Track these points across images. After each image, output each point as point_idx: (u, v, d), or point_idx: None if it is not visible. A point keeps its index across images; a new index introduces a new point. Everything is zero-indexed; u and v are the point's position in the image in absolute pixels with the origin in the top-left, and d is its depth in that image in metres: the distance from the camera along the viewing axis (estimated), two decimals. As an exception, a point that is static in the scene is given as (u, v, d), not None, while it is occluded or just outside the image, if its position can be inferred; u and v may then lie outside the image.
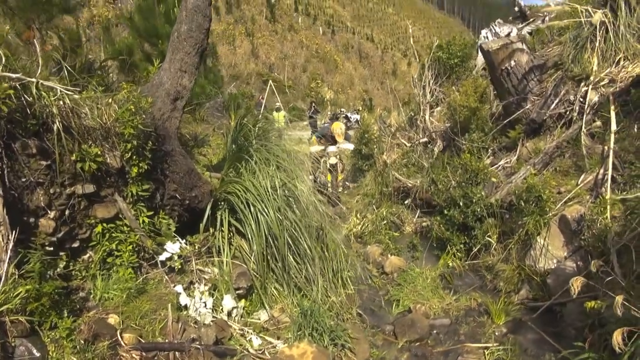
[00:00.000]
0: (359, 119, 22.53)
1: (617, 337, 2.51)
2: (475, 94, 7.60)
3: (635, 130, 4.58)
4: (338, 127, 10.49)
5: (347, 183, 10.33)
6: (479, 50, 8.61)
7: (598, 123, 5.05)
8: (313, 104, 19.80)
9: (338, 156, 9.60)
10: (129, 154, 3.36)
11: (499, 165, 5.92)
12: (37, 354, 2.50)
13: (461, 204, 5.23)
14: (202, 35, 3.85)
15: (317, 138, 10.73)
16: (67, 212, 3.12)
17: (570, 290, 3.22)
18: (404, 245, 5.76)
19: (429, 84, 10.11)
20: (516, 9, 9.28)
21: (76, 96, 3.10)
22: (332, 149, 9.78)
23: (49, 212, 3.02)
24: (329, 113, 24.09)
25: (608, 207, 3.88)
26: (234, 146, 4.89)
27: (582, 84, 5.45)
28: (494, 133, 6.52)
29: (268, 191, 3.96)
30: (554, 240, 4.21)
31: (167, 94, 3.82)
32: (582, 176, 4.70)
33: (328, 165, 9.39)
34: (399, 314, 4.27)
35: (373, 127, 12.88)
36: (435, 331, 3.95)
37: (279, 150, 4.55)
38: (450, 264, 5.07)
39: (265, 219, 3.77)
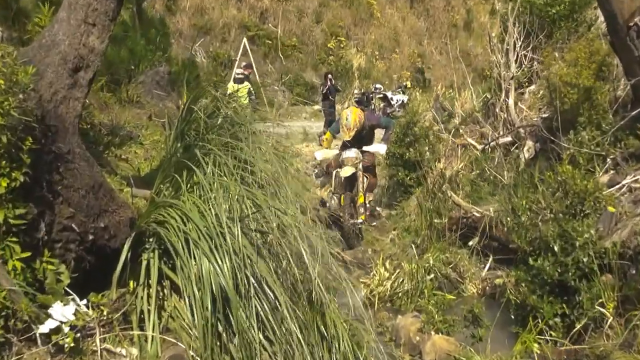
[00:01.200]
0: (405, 100, 22.64)
1: None
2: (591, 66, 7.57)
3: None
4: (346, 116, 9.55)
5: (377, 209, 10.31)
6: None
7: None
8: (330, 77, 19.92)
9: (359, 165, 9.32)
10: (-5, 158, 3.40)
11: (623, 186, 5.88)
12: None
13: (557, 248, 5.21)
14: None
15: (332, 134, 10.42)
16: None
17: None
18: (459, 317, 5.69)
19: (514, 47, 10.14)
20: None
21: None
22: (349, 153, 9.37)
23: None
24: (355, 91, 24.27)
25: None
26: (178, 145, 4.93)
27: None
28: (616, 131, 6.49)
29: (223, 224, 3.97)
30: None
31: (62, 61, 3.87)
32: None
33: (340, 180, 9.19)
34: None
35: (424, 117, 12.95)
36: None
37: (255, 153, 4.57)
38: (536, 350, 5.01)
39: (215, 271, 3.77)
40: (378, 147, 9.85)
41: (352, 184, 9.32)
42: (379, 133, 10.56)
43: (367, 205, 9.46)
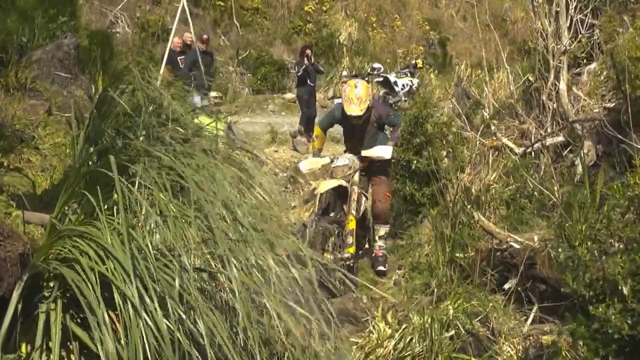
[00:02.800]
0: (415, 86, 22.78)
1: None
2: (674, 35, 7.67)
3: None
4: (355, 84, 9.11)
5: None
6: None
7: None
8: (308, 53, 20.03)
9: (355, 176, 9.00)
10: None
11: None
12: None
13: (627, 291, 5.21)
14: None
15: (322, 128, 9.86)
16: None
17: None
18: (492, 392, 5.73)
19: (567, 9, 10.25)
20: None
21: None
22: (341, 161, 9.05)
23: None
24: (344, 74, 24.37)
25: None
26: (91, 150, 4.95)
27: None
28: None
29: (160, 258, 4.01)
30: None
31: None
32: None
33: (324, 198, 9.09)
34: None
35: (441, 108, 13.05)
36: None
37: (211, 160, 4.62)
38: None
39: (147, 329, 3.79)
40: (382, 150, 9.10)
41: (343, 202, 9.02)
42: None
43: (380, 243, 9.33)
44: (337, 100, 21.08)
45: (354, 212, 8.84)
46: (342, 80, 23.70)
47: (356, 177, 8.93)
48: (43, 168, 6.13)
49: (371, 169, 9.34)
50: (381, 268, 9.29)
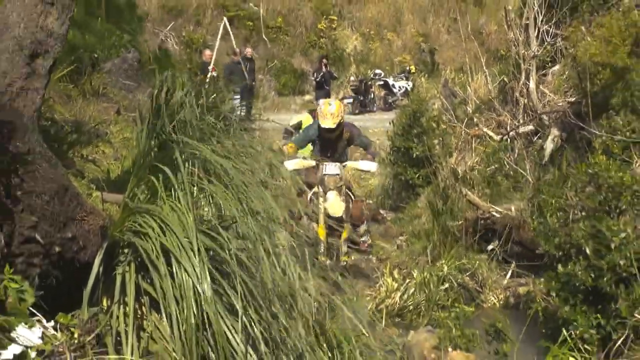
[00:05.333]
0: (410, 88, 22.72)
1: None
2: (625, 41, 7.62)
3: None
4: (329, 102, 8.44)
5: (381, 212, 10.35)
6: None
7: None
8: (325, 62, 19.98)
9: (343, 187, 7.95)
10: (-58, 160, 3.42)
11: (664, 178, 5.88)
12: None
13: (589, 251, 5.21)
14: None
15: (297, 145, 8.66)
16: None
17: None
18: (480, 331, 5.69)
19: (535, 22, 10.19)
20: None
21: None
22: (331, 169, 7.97)
23: None
24: (352, 78, 24.34)
25: None
26: (153, 143, 4.95)
27: None
28: (655, 115, 6.52)
29: (208, 233, 4.00)
30: None
31: (18, 47, 3.88)
32: None
33: (322, 210, 7.70)
34: None
35: (433, 105, 13.00)
36: None
37: (241, 155, 4.60)
38: (569, 367, 5.05)
39: (197, 284, 3.79)
40: (368, 165, 8.38)
41: (336, 224, 7.74)
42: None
43: (364, 239, 8.56)
44: (346, 101, 21.07)
45: (347, 220, 7.91)
46: (350, 84, 23.66)
47: (344, 189, 7.98)
48: (115, 157, 6.15)
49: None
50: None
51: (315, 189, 7.85)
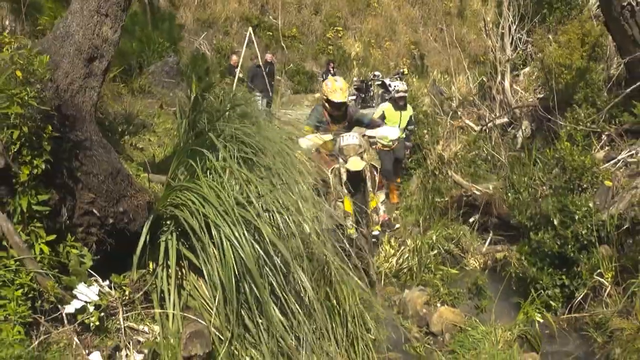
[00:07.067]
0: (401, 87, 22.57)
1: None
2: (584, 46, 7.61)
3: None
4: (335, 79, 7.19)
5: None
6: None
7: None
8: (331, 65, 19.84)
9: (364, 154, 6.74)
10: (17, 146, 3.39)
11: (619, 160, 5.92)
12: None
13: (556, 222, 5.23)
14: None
15: (312, 126, 7.18)
16: None
17: None
18: (463, 290, 5.72)
19: (509, 31, 10.12)
20: None
21: None
22: (349, 139, 6.75)
23: None
24: (355, 79, 24.19)
25: None
26: (191, 133, 4.92)
27: None
28: (611, 108, 6.51)
29: (241, 204, 3.97)
30: None
31: (77, 51, 3.85)
32: None
33: (344, 178, 6.55)
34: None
35: (423, 101, 12.92)
36: None
37: (265, 142, 4.56)
38: (538, 319, 5.03)
39: (235, 249, 3.77)
40: (386, 130, 7.15)
41: (356, 183, 6.66)
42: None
43: (382, 208, 7.08)
44: (350, 97, 20.98)
45: (372, 189, 6.82)
46: (353, 84, 23.55)
47: (366, 155, 6.77)
48: (159, 145, 6.14)
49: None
50: (392, 227, 7.38)
51: (334, 166, 6.57)
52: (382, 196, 7.07)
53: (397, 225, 7.23)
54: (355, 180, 6.58)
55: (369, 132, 6.90)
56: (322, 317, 4.12)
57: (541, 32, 10.10)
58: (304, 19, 29.25)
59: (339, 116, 7.00)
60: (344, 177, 6.50)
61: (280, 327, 3.95)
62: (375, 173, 6.82)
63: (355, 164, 6.49)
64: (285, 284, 4.01)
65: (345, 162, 6.57)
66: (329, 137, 6.77)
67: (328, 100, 6.88)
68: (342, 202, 6.45)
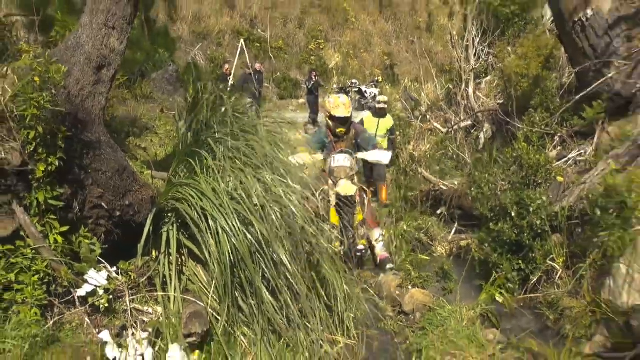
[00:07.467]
0: (377, 93, 22.58)
1: None
2: (539, 57, 7.67)
3: None
4: (339, 96, 6.48)
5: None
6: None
7: None
8: (313, 74, 19.82)
9: (354, 178, 6.19)
10: (33, 146, 3.38)
11: (569, 159, 5.97)
12: None
13: (514, 214, 5.26)
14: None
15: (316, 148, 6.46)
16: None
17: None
18: (432, 274, 5.76)
19: (473, 43, 10.19)
20: None
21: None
22: (340, 160, 6.16)
23: None
24: (335, 86, 24.19)
25: None
26: (189, 134, 4.91)
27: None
28: (563, 113, 6.56)
29: (234, 198, 3.98)
30: (643, 265, 4.19)
31: (87, 60, 3.85)
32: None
33: (333, 202, 5.95)
34: (422, 371, 4.26)
35: (396, 106, 12.96)
36: (473, 396, 3.93)
37: (256, 142, 4.56)
38: (497, 299, 5.09)
39: (229, 238, 3.78)
40: (379, 155, 6.33)
41: (346, 206, 6.02)
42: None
43: (379, 246, 6.23)
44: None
45: (360, 207, 6.11)
46: (333, 90, 23.52)
47: (356, 179, 6.23)
48: (160, 145, 6.11)
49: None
50: (391, 265, 6.02)
51: (324, 187, 5.89)
52: (377, 233, 6.28)
53: (392, 266, 6.01)
54: (345, 204, 5.99)
55: (361, 155, 6.27)
56: (308, 298, 4.15)
57: (501, 44, 10.17)
58: (289, 32, 29.20)
59: (343, 133, 6.36)
60: (333, 200, 5.94)
61: (271, 307, 3.98)
62: (365, 197, 6.23)
63: (347, 188, 5.97)
64: (275, 269, 4.03)
65: (335, 184, 6.05)
66: (319, 157, 6.25)
67: (332, 117, 6.36)
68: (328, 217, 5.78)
